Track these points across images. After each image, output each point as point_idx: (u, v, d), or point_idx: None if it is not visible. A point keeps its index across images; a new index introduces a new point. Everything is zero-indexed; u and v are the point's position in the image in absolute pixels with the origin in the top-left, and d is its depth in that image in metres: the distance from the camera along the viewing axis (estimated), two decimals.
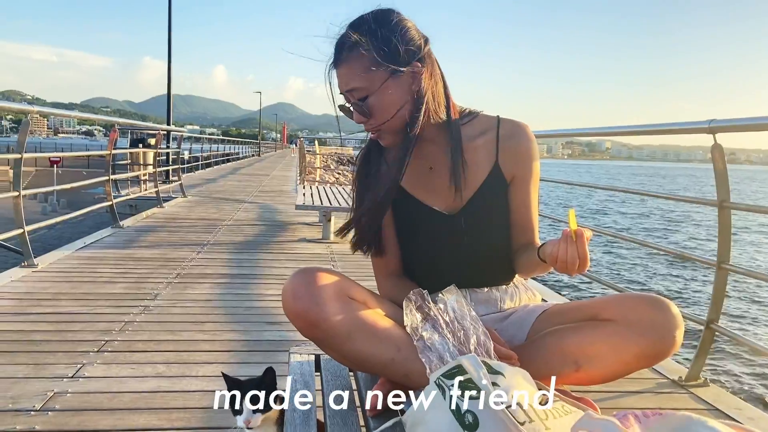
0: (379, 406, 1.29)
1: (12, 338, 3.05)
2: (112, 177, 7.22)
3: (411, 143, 1.40)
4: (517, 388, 1.02)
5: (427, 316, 1.13)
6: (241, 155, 32.02)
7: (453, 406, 0.99)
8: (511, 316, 1.52)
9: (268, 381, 1.50)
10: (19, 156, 4.70)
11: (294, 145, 54.23)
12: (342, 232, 1.54)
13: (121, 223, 7.06)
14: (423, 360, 1.12)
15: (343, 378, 1.53)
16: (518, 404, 0.98)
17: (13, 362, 2.72)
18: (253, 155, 37.60)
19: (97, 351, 2.92)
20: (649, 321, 1.24)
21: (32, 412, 2.23)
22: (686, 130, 2.90)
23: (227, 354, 2.96)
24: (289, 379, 1.55)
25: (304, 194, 7.66)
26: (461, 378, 1.02)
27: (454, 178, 1.43)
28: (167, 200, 9.74)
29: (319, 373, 1.57)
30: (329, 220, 6.57)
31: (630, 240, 3.96)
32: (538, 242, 1.54)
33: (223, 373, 1.49)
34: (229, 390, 1.51)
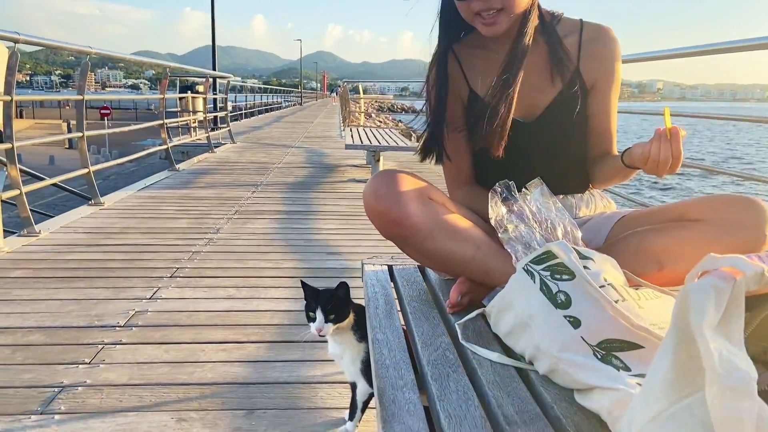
0: (460, 300, 1.33)
1: (89, 266, 3.22)
2: (166, 122, 7.37)
3: (522, 45, 1.40)
4: (607, 272, 1.04)
5: (512, 208, 1.15)
6: (283, 105, 32.10)
7: (543, 288, 1.02)
8: (588, 223, 1.53)
9: (341, 293, 1.53)
10: (81, 98, 4.84)
11: (335, 94, 53.95)
12: (424, 150, 1.56)
13: (176, 166, 7.25)
14: (508, 250, 1.15)
15: (418, 284, 1.58)
16: (610, 284, 1.00)
17: (93, 286, 2.88)
18: (294, 104, 37.64)
19: (170, 277, 3.07)
20: (738, 219, 1.22)
21: (117, 328, 2.38)
22: None
23: (292, 280, 3.06)
24: (366, 281, 1.61)
25: (351, 135, 7.67)
26: (550, 262, 1.04)
27: (557, 68, 1.42)
28: (217, 146, 9.90)
29: (393, 283, 1.62)
30: (378, 160, 6.59)
31: (706, 168, 3.87)
32: (616, 152, 1.53)
33: (302, 281, 1.54)
34: (306, 298, 1.55)
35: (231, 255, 3.50)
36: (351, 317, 1.54)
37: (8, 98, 3.69)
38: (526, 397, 0.99)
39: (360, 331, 1.56)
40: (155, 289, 2.86)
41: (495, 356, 1.13)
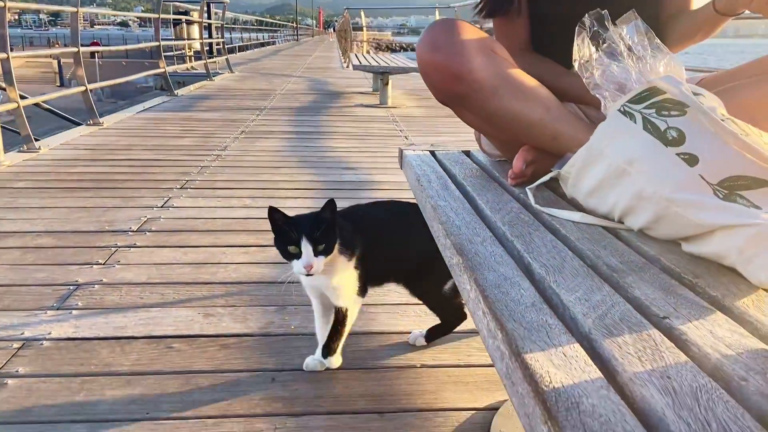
0: (524, 169, 1.19)
1: (95, 178, 3.07)
2: (162, 44, 7.07)
3: None
4: (720, 107, 0.89)
5: (600, 47, 1.00)
6: (279, 41, 31.16)
7: (648, 127, 0.88)
8: None
9: (328, 215, 1.22)
10: (75, 9, 4.58)
11: (332, 29, 52.45)
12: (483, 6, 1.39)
13: (175, 91, 7.00)
14: (596, 95, 1.00)
15: (467, 164, 1.44)
16: (730, 118, 0.86)
17: (100, 196, 2.74)
18: (290, 40, 36.61)
19: (180, 188, 2.92)
20: None
21: (130, 233, 2.25)
22: None
23: (309, 191, 2.93)
24: (409, 163, 1.46)
25: (357, 58, 7.39)
26: (654, 99, 0.89)
27: None
28: (215, 75, 9.58)
29: (442, 167, 1.47)
30: (386, 84, 6.34)
31: None
32: (693, 7, 1.36)
33: (270, 207, 1.20)
34: (279, 228, 1.21)
35: (242, 169, 3.35)
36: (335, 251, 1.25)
37: (4, 55, 3.45)
38: (625, 250, 0.86)
39: (349, 250, 1.29)
40: (166, 199, 2.72)
41: (578, 216, 1.00)
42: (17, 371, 1.31)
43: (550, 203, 1.10)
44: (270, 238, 2.23)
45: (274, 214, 1.20)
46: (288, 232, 1.19)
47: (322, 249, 1.19)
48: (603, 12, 1.02)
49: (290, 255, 1.21)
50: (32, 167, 3.29)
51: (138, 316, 1.60)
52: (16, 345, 1.42)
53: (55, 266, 1.91)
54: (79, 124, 5.24)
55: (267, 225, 2.37)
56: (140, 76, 6.93)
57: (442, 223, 0.99)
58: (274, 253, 2.26)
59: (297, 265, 1.19)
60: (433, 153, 1.59)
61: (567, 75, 1.33)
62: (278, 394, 1.28)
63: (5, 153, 3.44)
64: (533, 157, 1.22)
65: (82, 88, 4.69)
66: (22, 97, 4.19)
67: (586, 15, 1.02)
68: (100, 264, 1.95)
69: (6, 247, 2.06)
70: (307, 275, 1.20)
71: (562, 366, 0.57)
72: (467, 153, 1.60)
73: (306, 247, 1.17)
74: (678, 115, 0.86)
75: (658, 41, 1.00)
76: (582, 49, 1.00)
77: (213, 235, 2.26)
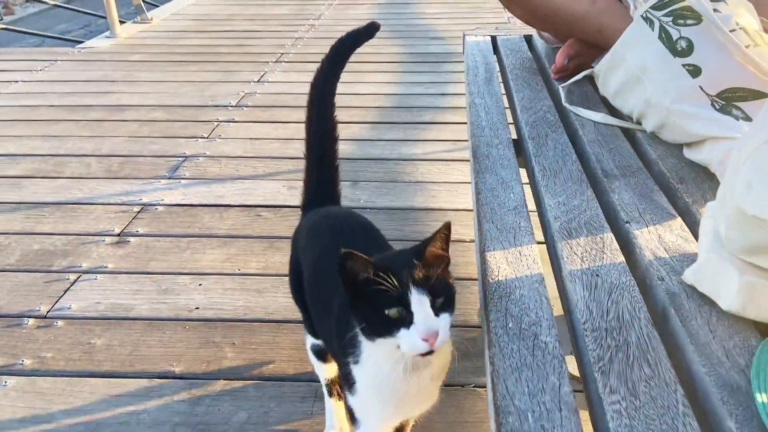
0: (566, 64, 1.24)
1: (200, 51, 3.30)
2: None
3: None
4: (740, 16, 0.91)
5: None
6: None
7: (661, 35, 0.92)
8: None
9: (443, 236, 0.66)
10: None
11: None
12: None
13: None
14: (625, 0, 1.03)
15: (523, 53, 1.48)
16: (742, 28, 0.88)
17: (205, 69, 2.99)
18: None
19: (275, 62, 3.10)
20: None
21: (229, 107, 2.49)
22: None
23: (394, 65, 3.01)
24: (466, 51, 1.53)
25: None
26: (675, 6, 0.92)
27: None
28: None
29: (496, 55, 1.53)
30: None
31: None
32: None
33: (345, 252, 0.64)
34: (352, 274, 0.65)
35: (333, 40, 3.44)
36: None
37: None
38: (629, 153, 0.95)
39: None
40: (262, 73, 2.92)
41: (599, 117, 1.07)
42: (137, 231, 1.62)
43: (584, 100, 1.16)
44: (353, 113, 2.41)
45: (349, 262, 0.65)
46: (380, 285, 0.64)
47: (442, 303, 0.66)
48: None
49: (386, 325, 0.65)
50: (145, 39, 3.58)
51: (234, 187, 1.87)
52: (135, 209, 1.73)
53: (166, 139, 2.21)
54: None
55: (351, 101, 2.57)
56: None
57: (471, 123, 1.10)
58: (354, 130, 2.45)
59: (409, 339, 0.64)
60: (494, 39, 1.63)
61: None
62: None
63: (121, 25, 3.73)
64: (576, 52, 1.26)
65: None
66: None
67: None
68: (204, 138, 2.22)
69: (125, 120, 2.38)
70: (427, 354, 0.65)
71: (513, 263, 0.71)
72: (528, 38, 1.62)
73: (422, 305, 0.64)
74: (693, 24, 0.90)
75: None
76: None
77: (300, 111, 2.44)
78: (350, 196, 1.81)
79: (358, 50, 3.28)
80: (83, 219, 1.68)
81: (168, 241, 1.58)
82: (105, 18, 3.65)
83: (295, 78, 2.86)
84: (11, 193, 1.82)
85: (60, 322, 1.28)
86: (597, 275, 0.68)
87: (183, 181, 1.90)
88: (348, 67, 3.01)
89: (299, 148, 2.11)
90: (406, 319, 0.63)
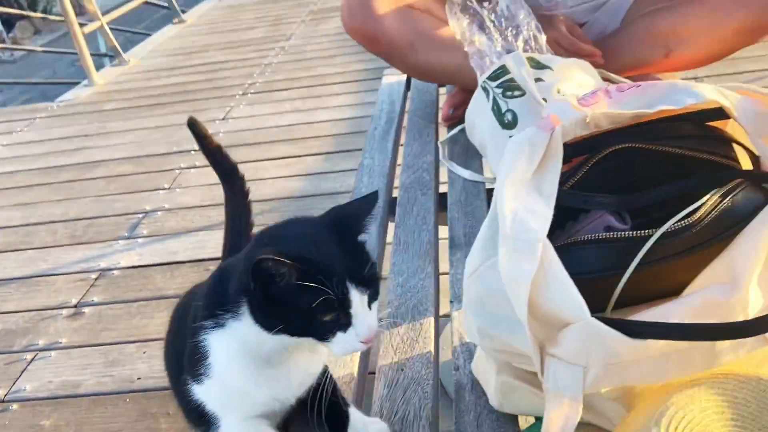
0: (452, 113, 1.29)
1: (173, 90, 3.41)
2: None
3: None
4: (566, 81, 0.95)
5: (473, 18, 1.04)
6: None
7: (494, 107, 0.96)
8: (607, 3, 1.35)
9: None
10: None
11: None
12: None
13: None
14: (473, 67, 1.07)
15: (430, 93, 1.53)
16: (563, 96, 0.92)
17: (174, 111, 3.08)
18: None
19: (242, 94, 3.18)
20: None
21: (192, 152, 2.58)
22: None
23: (358, 84, 3.06)
24: (378, 96, 1.59)
25: None
26: (505, 78, 0.96)
27: None
28: None
29: (408, 94, 1.58)
30: None
31: None
32: None
33: (261, 257, 0.55)
34: (296, 272, 0.57)
35: (300, 63, 3.51)
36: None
37: None
38: (482, 216, 1.00)
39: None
40: (228, 109, 3.00)
41: (468, 174, 1.12)
42: (93, 300, 1.73)
43: (464, 153, 1.21)
44: (309, 145, 2.49)
45: (267, 264, 0.56)
46: (312, 285, 0.57)
47: (374, 292, 0.61)
48: None
49: (318, 332, 0.60)
50: (122, 83, 3.69)
51: (188, 240, 1.96)
52: (93, 276, 1.83)
53: (129, 195, 2.31)
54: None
55: (309, 131, 2.64)
56: None
57: (355, 189, 1.17)
58: (308, 163, 2.52)
59: (346, 343, 0.60)
60: (408, 78, 1.68)
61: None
62: None
63: (98, 71, 3.86)
64: (460, 101, 1.31)
65: None
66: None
67: None
68: (166, 189, 2.31)
69: (95, 178, 2.49)
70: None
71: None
72: None
73: (361, 304, 0.59)
74: (519, 95, 0.94)
75: (528, 7, 1.02)
76: (457, 23, 1.05)
77: (260, 148, 2.54)
78: None
79: (323, 72, 3.35)
80: (45, 292, 1.79)
81: (119, 308, 1.68)
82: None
83: (259, 111, 2.94)
84: None
85: (15, 406, 1.39)
86: (401, 369, 0.74)
87: (140, 240, 2.00)
88: (309, 92, 3.07)
89: (255, 190, 2.17)
90: (341, 322, 0.58)
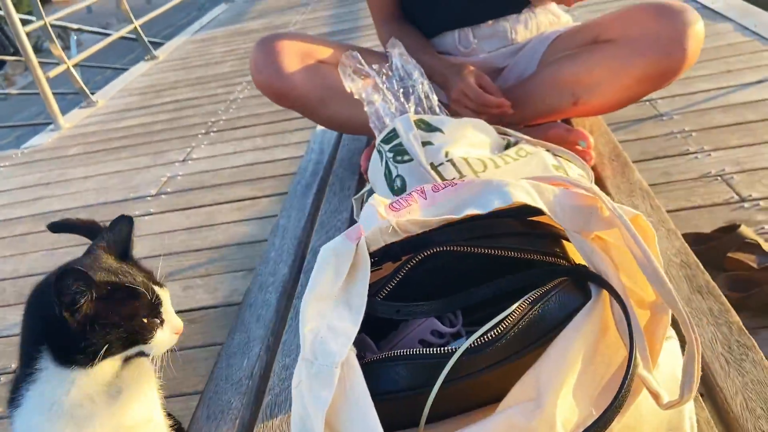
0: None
1: (137, 132, 3.40)
2: None
3: None
4: (457, 143, 0.92)
5: (368, 79, 1.03)
6: None
7: (386, 171, 0.94)
8: (525, 47, 1.34)
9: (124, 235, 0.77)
10: None
11: None
12: None
13: None
14: (372, 128, 1.05)
15: (361, 141, 1.51)
16: (450, 161, 0.90)
17: (136, 154, 3.07)
18: None
19: (205, 133, 3.17)
20: (654, 34, 1.01)
21: (148, 198, 2.56)
22: None
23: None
24: (308, 145, 1.57)
25: None
26: (395, 142, 0.94)
27: None
28: None
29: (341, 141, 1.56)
30: None
31: None
32: None
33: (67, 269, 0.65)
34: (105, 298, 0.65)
35: (263, 98, 3.49)
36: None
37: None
38: None
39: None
40: (189, 150, 2.99)
41: None
42: None
43: None
44: (265, 186, 2.46)
45: (73, 281, 0.63)
46: (130, 291, 0.67)
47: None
48: (355, 52, 1.03)
49: (138, 335, 0.67)
50: (88, 126, 3.68)
51: None
52: None
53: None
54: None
55: (266, 171, 2.61)
56: None
57: (261, 256, 1.14)
58: (262, 206, 2.49)
59: (163, 339, 0.69)
60: None
61: (425, 53, 1.32)
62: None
63: (64, 115, 3.85)
64: None
65: (131, 26, 4.96)
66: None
67: (344, 55, 1.04)
68: None
69: (47, 231, 2.46)
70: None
71: None
72: None
73: (167, 302, 0.71)
74: (408, 160, 0.92)
75: (420, 68, 1.00)
76: (352, 84, 1.03)
77: (216, 191, 2.51)
78: (241, 288, 1.85)
79: (284, 115, 3.31)
80: None
81: None
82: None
83: (220, 150, 2.92)
84: None
85: None
86: None
87: None
88: (270, 129, 3.06)
89: (206, 237, 2.18)
90: (158, 320, 0.69)
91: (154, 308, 0.68)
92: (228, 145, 2.96)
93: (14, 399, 0.66)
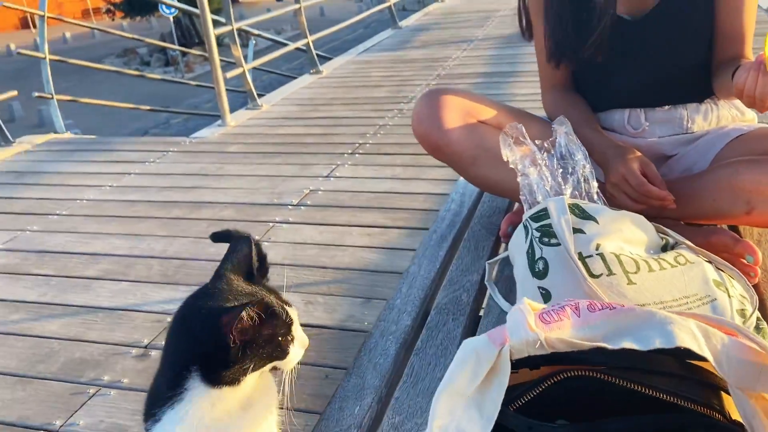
0: (510, 231, 1.25)
1: (290, 141, 3.60)
2: None
3: None
4: (610, 236, 0.88)
5: (527, 152, 1.01)
6: None
7: (529, 250, 0.92)
8: (701, 139, 1.26)
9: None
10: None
11: None
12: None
13: (399, 23, 7.34)
14: (522, 201, 1.03)
15: (503, 200, 1.50)
16: (600, 254, 0.86)
17: (287, 162, 3.25)
18: None
19: (351, 153, 3.29)
20: None
21: (289, 206, 2.70)
22: None
23: None
24: (450, 196, 1.58)
25: None
26: (544, 222, 0.92)
27: None
28: None
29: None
30: None
31: None
32: (750, 55, 1.20)
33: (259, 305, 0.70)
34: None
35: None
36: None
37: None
38: None
39: None
40: (333, 167, 3.12)
41: (506, 305, 1.07)
42: (161, 344, 1.84)
43: (512, 278, 1.16)
44: (397, 217, 2.50)
45: (249, 314, 0.68)
46: (275, 316, 0.73)
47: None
48: (520, 125, 1.01)
49: (281, 348, 0.74)
50: (249, 128, 3.96)
51: None
52: (169, 319, 1.95)
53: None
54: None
55: (401, 202, 2.66)
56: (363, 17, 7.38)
57: (387, 303, 1.15)
58: (391, 237, 2.52)
59: (295, 354, 0.76)
60: None
61: (588, 127, 1.28)
62: (324, 393, 1.59)
63: (232, 113, 4.17)
64: (519, 220, 1.26)
65: (305, 41, 5.29)
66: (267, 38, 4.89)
67: (507, 126, 1.03)
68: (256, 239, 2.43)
69: (199, 219, 2.67)
70: None
71: None
72: None
73: (296, 320, 0.78)
74: (555, 244, 0.89)
75: (585, 150, 0.97)
76: (509, 153, 1.03)
77: (350, 212, 2.60)
78: (358, 315, 1.89)
79: None
80: (125, 327, 1.93)
81: None
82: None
83: (361, 173, 3.02)
84: (81, 295, 2.14)
85: None
86: None
87: None
88: (413, 160, 3.10)
89: (333, 256, 2.26)
90: (290, 338, 0.75)
91: (288, 327, 0.75)
92: (369, 169, 3.05)
93: (154, 414, 0.72)
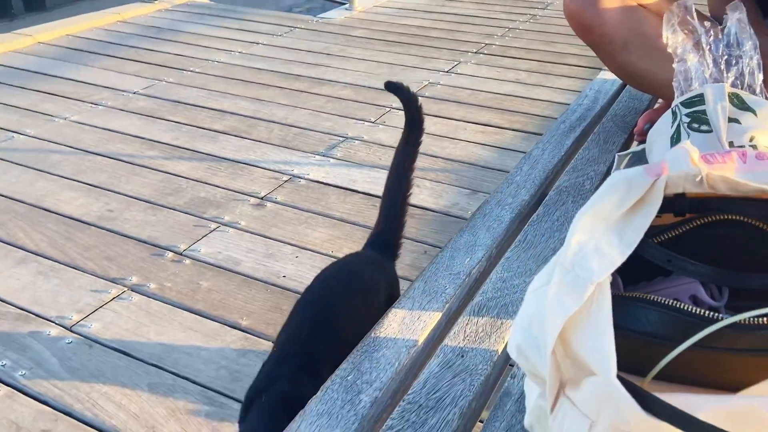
0: (646, 129, 1.20)
1: (415, 32, 3.55)
2: None
3: None
4: (765, 132, 0.83)
5: (690, 35, 0.94)
6: None
7: (674, 135, 0.88)
8: None
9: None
10: None
11: None
12: None
13: None
14: (674, 87, 0.97)
15: (641, 102, 1.42)
16: (752, 146, 0.81)
17: (408, 53, 3.22)
18: None
19: (475, 52, 3.21)
20: None
21: None
22: None
23: (592, 71, 2.91)
24: (584, 91, 1.52)
25: None
26: (698, 108, 0.87)
27: None
28: None
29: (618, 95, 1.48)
30: None
31: None
32: None
33: None
34: None
35: (543, 35, 3.42)
36: None
37: None
38: None
39: None
40: (456, 63, 3.06)
41: None
42: (276, 198, 1.95)
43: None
44: (514, 119, 2.45)
45: None
46: None
47: None
48: (689, 4, 0.93)
49: None
50: (375, 15, 3.92)
51: (369, 174, 2.09)
52: (285, 178, 2.06)
53: (339, 117, 2.51)
54: None
55: (521, 106, 2.59)
56: None
57: (507, 177, 1.15)
58: (505, 137, 2.47)
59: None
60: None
61: (761, 31, 1.18)
62: (421, 265, 1.65)
63: None
64: (658, 117, 1.20)
65: None
66: None
67: (675, 4, 0.95)
68: (371, 122, 2.47)
69: (319, 94, 2.73)
70: None
71: (404, 325, 0.81)
72: None
73: None
74: (705, 131, 0.85)
75: (756, 40, 0.88)
76: (672, 37, 0.95)
77: (466, 109, 2.57)
78: (462, 203, 1.91)
79: (560, 50, 3.27)
80: (245, 178, 2.06)
81: (293, 212, 1.87)
82: None
83: (483, 73, 2.95)
84: (209, 144, 2.29)
85: (187, 261, 1.66)
86: (462, 356, 0.75)
87: (332, 160, 2.18)
88: (539, 67, 3.01)
89: (445, 147, 2.27)
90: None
91: None
92: (493, 70, 2.97)
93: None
